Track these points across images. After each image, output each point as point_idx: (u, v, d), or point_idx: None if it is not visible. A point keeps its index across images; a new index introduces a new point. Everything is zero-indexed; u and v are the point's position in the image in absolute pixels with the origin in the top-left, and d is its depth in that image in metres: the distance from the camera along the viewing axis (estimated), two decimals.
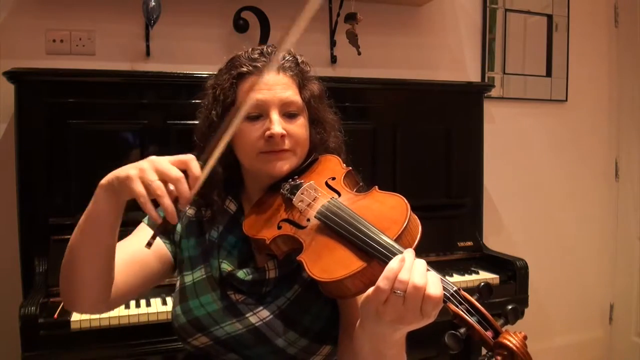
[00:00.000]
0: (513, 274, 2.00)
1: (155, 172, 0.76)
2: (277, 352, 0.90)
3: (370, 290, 0.71)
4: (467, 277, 1.94)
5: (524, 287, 2.01)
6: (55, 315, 1.47)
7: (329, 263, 0.78)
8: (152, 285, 1.02)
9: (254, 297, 0.94)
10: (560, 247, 2.77)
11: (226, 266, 0.96)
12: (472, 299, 0.71)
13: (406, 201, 0.82)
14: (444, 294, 0.70)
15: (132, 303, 1.57)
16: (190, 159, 0.78)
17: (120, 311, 1.52)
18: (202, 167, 0.80)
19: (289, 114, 0.97)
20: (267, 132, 0.93)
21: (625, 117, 2.86)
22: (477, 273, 2.00)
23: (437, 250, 2.04)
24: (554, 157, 2.75)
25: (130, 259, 0.97)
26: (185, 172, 0.77)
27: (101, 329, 1.48)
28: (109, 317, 1.49)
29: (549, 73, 2.71)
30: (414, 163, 2.17)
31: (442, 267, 1.98)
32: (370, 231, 0.78)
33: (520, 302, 2.00)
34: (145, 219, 1.06)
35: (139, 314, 1.52)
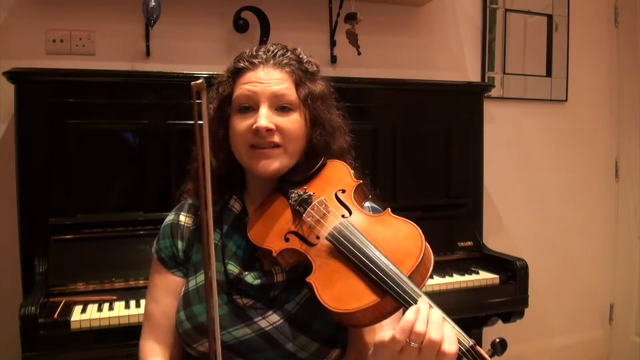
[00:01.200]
0: (513, 274, 2.00)
1: None
2: (287, 356, 0.90)
3: (386, 337, 0.72)
4: (467, 277, 1.94)
5: (524, 287, 2.01)
6: (55, 315, 1.47)
7: (341, 292, 0.78)
8: None
9: (262, 301, 0.93)
10: (560, 247, 2.77)
11: (233, 268, 0.95)
12: (487, 355, 0.72)
13: (420, 231, 0.81)
14: (460, 348, 0.71)
15: (132, 303, 1.57)
16: None
17: (120, 311, 1.52)
18: None
19: (281, 109, 0.96)
20: (254, 125, 0.92)
21: (626, 117, 2.86)
22: (477, 273, 1.99)
23: (437, 250, 2.04)
24: (554, 157, 2.76)
25: (170, 323, 0.99)
26: None
27: (101, 329, 1.48)
28: (109, 317, 1.49)
29: (549, 73, 2.71)
30: (414, 163, 2.17)
31: (442, 267, 1.98)
32: (385, 265, 0.77)
33: (520, 302, 2.00)
34: (154, 253, 1.05)
35: (138, 314, 1.51)
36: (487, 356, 0.72)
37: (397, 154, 2.13)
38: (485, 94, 2.39)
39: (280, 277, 0.93)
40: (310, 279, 0.82)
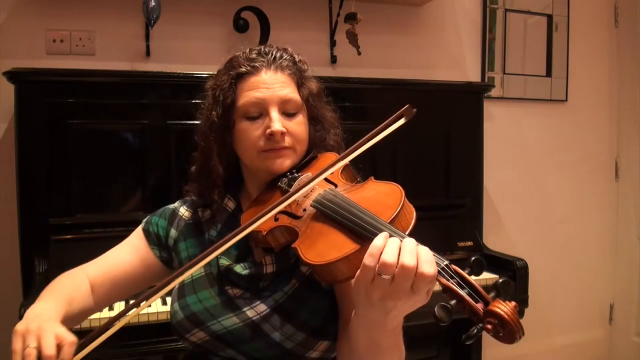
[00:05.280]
0: (513, 273, 2.00)
1: (35, 339, 0.77)
2: (273, 346, 0.91)
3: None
4: None
5: (524, 287, 2.01)
6: None
7: (323, 247, 0.79)
8: (138, 291, 1.06)
9: (252, 291, 0.94)
10: (560, 247, 2.77)
11: (224, 261, 0.97)
12: (463, 273, 0.71)
13: (401, 188, 0.83)
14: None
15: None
16: (69, 343, 0.78)
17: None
18: (81, 347, 0.82)
19: (288, 112, 0.98)
20: (268, 130, 0.94)
21: (625, 117, 2.86)
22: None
23: (437, 250, 2.01)
24: (554, 157, 2.75)
25: (114, 274, 1.04)
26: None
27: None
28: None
29: (549, 73, 2.71)
30: (414, 163, 2.17)
31: None
32: (364, 214, 0.78)
33: (520, 302, 2.00)
34: (143, 223, 1.09)
35: (138, 314, 1.51)
36: (464, 273, 0.71)
37: (397, 154, 2.13)
38: (485, 94, 2.39)
39: (270, 269, 0.95)
40: (295, 244, 0.83)
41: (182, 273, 0.84)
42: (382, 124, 0.89)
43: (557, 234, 2.77)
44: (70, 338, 0.79)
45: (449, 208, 2.21)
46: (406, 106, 0.87)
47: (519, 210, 2.68)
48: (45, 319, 0.83)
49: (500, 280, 0.71)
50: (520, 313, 2.03)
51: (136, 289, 1.07)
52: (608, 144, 2.89)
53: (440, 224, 2.13)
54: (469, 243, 2.16)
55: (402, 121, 0.88)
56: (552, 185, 2.76)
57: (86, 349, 0.82)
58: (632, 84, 2.81)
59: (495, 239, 2.44)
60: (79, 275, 1.02)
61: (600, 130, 2.87)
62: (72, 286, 0.99)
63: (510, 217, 2.66)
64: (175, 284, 0.85)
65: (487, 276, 1.97)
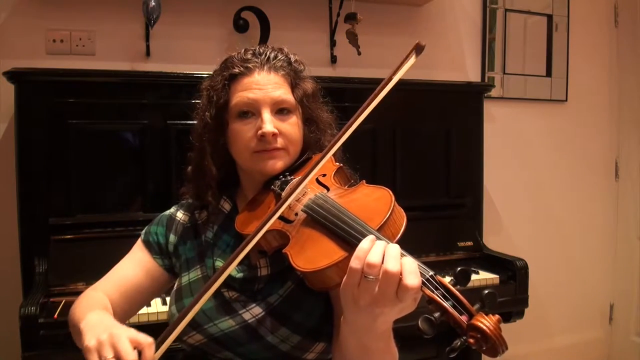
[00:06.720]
0: (513, 274, 2.00)
1: (111, 349, 0.73)
2: (269, 348, 0.91)
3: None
4: None
5: (524, 287, 2.01)
6: (55, 315, 1.47)
7: (313, 254, 0.79)
8: (149, 301, 1.07)
9: (247, 294, 0.95)
10: (560, 247, 2.77)
11: (220, 264, 0.97)
12: (448, 284, 0.71)
13: (391, 193, 0.83)
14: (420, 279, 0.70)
15: None
16: (147, 344, 0.75)
17: None
18: (159, 345, 0.78)
19: (281, 113, 0.97)
20: (259, 132, 0.94)
21: (625, 117, 2.86)
22: (477, 273, 1.99)
23: (437, 250, 2.04)
24: (554, 157, 2.76)
25: (124, 289, 1.02)
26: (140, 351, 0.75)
27: None
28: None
29: (549, 73, 2.71)
30: (414, 163, 2.17)
31: (442, 267, 1.98)
32: (353, 221, 0.78)
33: (520, 302, 2.01)
34: (143, 235, 1.09)
35: (139, 314, 1.51)
36: (448, 285, 0.70)
37: (397, 154, 2.13)
38: (485, 94, 2.39)
39: (264, 271, 0.95)
40: (285, 250, 0.83)
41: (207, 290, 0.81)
42: (392, 70, 0.89)
43: (557, 234, 2.77)
44: (146, 339, 0.75)
45: (449, 208, 2.21)
46: (416, 43, 0.87)
47: (519, 210, 2.68)
48: (109, 325, 0.80)
49: (485, 292, 0.70)
50: (520, 313, 2.03)
51: (145, 301, 1.07)
52: (608, 144, 2.89)
53: (441, 224, 2.13)
54: (469, 243, 2.16)
55: (413, 59, 0.89)
56: (552, 185, 2.76)
57: (164, 346, 0.79)
58: (632, 84, 2.81)
59: (495, 239, 2.44)
60: (97, 293, 1.01)
61: (600, 130, 2.87)
62: (100, 300, 0.98)
63: (510, 217, 2.66)
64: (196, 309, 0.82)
65: (487, 276, 1.97)
